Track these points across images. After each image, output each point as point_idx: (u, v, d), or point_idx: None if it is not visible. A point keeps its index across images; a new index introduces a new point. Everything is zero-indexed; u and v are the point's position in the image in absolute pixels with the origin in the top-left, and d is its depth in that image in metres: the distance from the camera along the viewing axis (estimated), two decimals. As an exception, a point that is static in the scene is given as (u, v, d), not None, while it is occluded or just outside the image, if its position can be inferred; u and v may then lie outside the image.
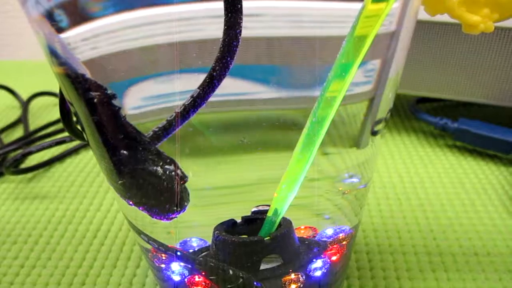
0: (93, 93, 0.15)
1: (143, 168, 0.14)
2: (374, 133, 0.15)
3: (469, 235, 0.22)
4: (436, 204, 0.24)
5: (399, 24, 0.13)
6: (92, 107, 0.15)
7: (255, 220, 0.16)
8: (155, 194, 0.14)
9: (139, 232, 0.16)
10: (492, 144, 0.27)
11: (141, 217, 0.15)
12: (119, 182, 0.14)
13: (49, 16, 0.13)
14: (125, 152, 0.15)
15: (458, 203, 0.24)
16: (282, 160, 0.16)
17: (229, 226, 0.16)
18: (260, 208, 0.16)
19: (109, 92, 0.15)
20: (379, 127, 0.15)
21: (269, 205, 0.15)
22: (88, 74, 0.15)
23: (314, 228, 0.16)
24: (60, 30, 0.13)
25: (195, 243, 0.17)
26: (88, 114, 0.14)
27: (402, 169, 0.27)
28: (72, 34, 0.13)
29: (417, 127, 0.32)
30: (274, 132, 0.15)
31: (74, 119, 0.17)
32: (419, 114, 0.30)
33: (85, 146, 0.30)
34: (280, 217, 0.14)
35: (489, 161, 0.28)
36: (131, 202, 0.15)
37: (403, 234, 0.22)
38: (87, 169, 0.28)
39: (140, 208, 0.15)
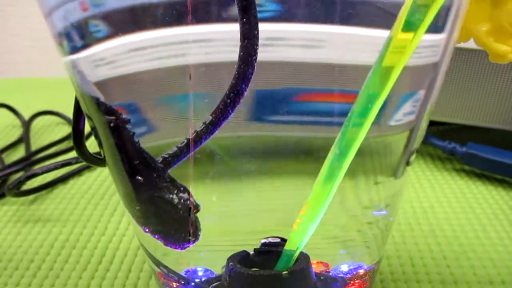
0: (108, 117, 0.14)
1: (160, 196, 0.14)
2: (407, 163, 0.15)
3: (483, 263, 0.21)
4: (448, 229, 0.24)
5: (443, 54, 0.13)
6: (107, 131, 0.14)
7: (269, 252, 0.15)
8: (172, 223, 0.14)
9: (158, 264, 0.15)
10: (501, 168, 0.27)
11: (162, 246, 0.15)
12: (137, 207, 0.14)
13: (82, 27, 0.12)
14: (140, 178, 0.14)
15: (469, 229, 0.24)
16: (294, 188, 0.15)
17: (242, 258, 0.15)
18: (270, 239, 0.15)
19: (123, 116, 0.15)
20: (413, 157, 0.15)
21: (278, 237, 0.15)
22: (102, 98, 0.14)
23: (327, 264, 0.16)
24: (92, 42, 0.13)
25: (201, 273, 0.16)
26: (105, 138, 0.14)
27: (411, 193, 0.27)
28: (103, 49, 0.13)
29: (424, 150, 0.32)
30: (287, 159, 0.15)
31: (87, 142, 0.16)
32: (426, 137, 0.30)
33: (88, 167, 0.29)
34: (299, 250, 0.14)
35: (498, 185, 0.28)
36: (147, 230, 0.14)
37: (416, 261, 0.22)
38: (91, 191, 0.27)
39: (156, 237, 0.14)
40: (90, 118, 0.14)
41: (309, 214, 0.13)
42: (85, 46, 0.13)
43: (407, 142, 0.14)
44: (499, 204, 0.26)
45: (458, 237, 0.23)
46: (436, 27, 0.12)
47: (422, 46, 0.12)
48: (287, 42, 0.14)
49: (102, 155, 0.15)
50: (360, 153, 0.12)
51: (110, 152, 0.14)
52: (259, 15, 0.13)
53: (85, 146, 0.16)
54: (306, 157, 0.15)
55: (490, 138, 0.32)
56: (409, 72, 0.12)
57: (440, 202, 0.26)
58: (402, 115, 0.13)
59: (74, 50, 0.13)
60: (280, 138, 0.15)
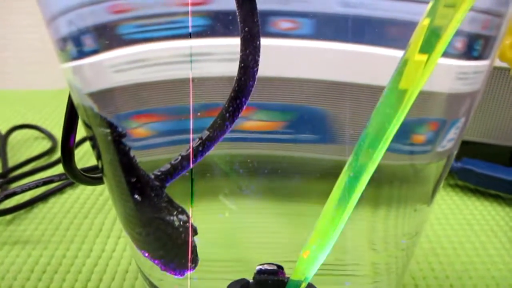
0: (104, 130, 0.13)
1: (160, 218, 0.13)
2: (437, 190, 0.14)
3: (486, 281, 0.21)
4: (448, 247, 0.23)
5: (485, 80, 0.12)
6: (105, 145, 0.13)
7: (269, 281, 0.14)
8: (173, 247, 0.13)
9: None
10: (495, 184, 0.27)
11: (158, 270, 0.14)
12: (136, 230, 0.13)
13: (104, 31, 0.11)
14: (137, 196, 0.13)
15: (469, 246, 0.23)
16: (294, 212, 0.15)
17: (243, 286, 0.14)
18: (266, 266, 0.15)
19: (120, 130, 0.14)
20: (442, 184, 0.14)
21: (274, 264, 0.14)
22: (96, 108, 0.13)
23: None
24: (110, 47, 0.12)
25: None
26: (104, 152, 0.13)
27: (407, 209, 0.26)
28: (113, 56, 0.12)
29: (417, 165, 0.31)
30: (278, 179, 0.14)
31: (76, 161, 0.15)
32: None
33: (70, 184, 0.28)
34: (308, 281, 0.13)
35: (493, 201, 0.27)
36: (146, 254, 0.13)
37: (418, 282, 0.21)
38: (74, 210, 0.26)
39: (156, 262, 0.13)
40: (90, 128, 0.13)
41: (319, 242, 0.12)
42: (97, 51, 0.12)
43: (444, 168, 0.13)
44: (496, 220, 0.26)
45: (459, 255, 0.23)
46: (482, 54, 0.12)
47: (472, 72, 0.11)
48: (213, 57, 0.13)
49: (100, 167, 0.14)
50: (403, 181, 0.12)
51: (108, 167, 0.13)
52: (183, 31, 0.12)
53: (75, 165, 0.15)
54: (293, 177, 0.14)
55: (485, 153, 0.32)
56: (459, 98, 0.12)
57: (438, 219, 0.25)
58: (447, 141, 0.13)
59: (81, 55, 0.12)
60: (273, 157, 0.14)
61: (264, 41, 0.13)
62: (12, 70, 0.50)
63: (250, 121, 0.14)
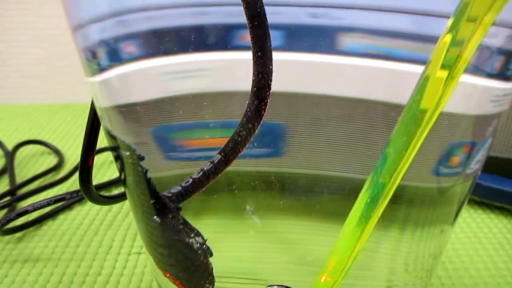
0: (124, 152, 0.14)
1: (180, 240, 0.13)
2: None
3: (495, 296, 0.21)
4: (457, 261, 0.23)
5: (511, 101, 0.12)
6: (122, 166, 0.13)
7: None
8: (193, 268, 0.13)
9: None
10: (501, 196, 0.27)
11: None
12: (159, 251, 0.13)
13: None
14: (156, 218, 0.14)
15: (478, 260, 0.23)
16: (297, 229, 0.15)
17: None
18: None
19: (138, 153, 0.14)
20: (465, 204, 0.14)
21: (284, 286, 0.14)
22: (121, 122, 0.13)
23: None
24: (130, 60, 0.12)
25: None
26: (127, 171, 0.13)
27: (414, 223, 0.27)
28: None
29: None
30: (288, 197, 0.14)
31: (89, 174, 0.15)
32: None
33: (79, 200, 0.28)
34: None
35: (499, 213, 0.27)
36: (167, 275, 0.13)
37: (429, 296, 0.21)
38: (84, 227, 0.26)
39: (176, 283, 0.13)
40: (114, 139, 0.13)
41: (337, 265, 0.12)
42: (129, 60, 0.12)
43: (469, 189, 0.13)
44: (503, 233, 0.26)
45: (467, 269, 0.23)
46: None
47: (502, 94, 0.12)
48: (167, 76, 0.13)
49: (122, 179, 0.14)
50: (435, 203, 0.12)
51: (130, 187, 0.13)
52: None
53: (92, 186, 0.15)
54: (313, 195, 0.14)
55: (490, 166, 0.32)
56: (489, 120, 0.12)
57: (445, 232, 0.26)
58: (474, 163, 0.13)
59: (110, 66, 0.12)
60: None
61: (233, 55, 0.13)
62: (13, 84, 0.51)
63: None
